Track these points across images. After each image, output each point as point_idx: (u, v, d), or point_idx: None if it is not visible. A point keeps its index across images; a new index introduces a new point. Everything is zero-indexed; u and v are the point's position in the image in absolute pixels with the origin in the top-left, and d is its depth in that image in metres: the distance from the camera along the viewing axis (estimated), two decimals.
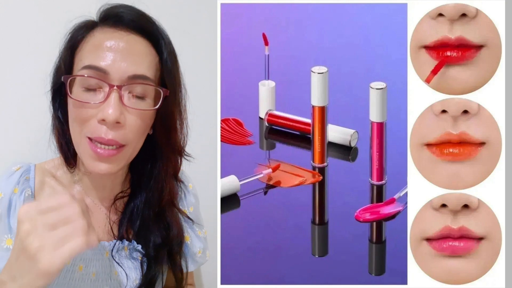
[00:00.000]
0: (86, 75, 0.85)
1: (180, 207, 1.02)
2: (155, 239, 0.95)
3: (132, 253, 0.95)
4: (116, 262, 0.93)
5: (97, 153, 0.85)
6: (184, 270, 1.00)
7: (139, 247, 0.95)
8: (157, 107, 0.88)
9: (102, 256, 0.93)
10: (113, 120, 0.83)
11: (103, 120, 0.84)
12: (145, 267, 0.95)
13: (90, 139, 0.85)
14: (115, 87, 0.84)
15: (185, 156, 0.98)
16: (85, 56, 0.86)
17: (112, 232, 0.94)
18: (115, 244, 0.94)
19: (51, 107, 0.91)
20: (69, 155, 0.92)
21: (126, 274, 0.93)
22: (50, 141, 0.93)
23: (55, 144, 0.93)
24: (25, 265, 0.70)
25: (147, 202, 0.95)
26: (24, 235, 0.70)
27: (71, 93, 0.86)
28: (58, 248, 0.69)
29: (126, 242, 0.95)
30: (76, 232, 0.71)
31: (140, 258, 0.95)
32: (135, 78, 0.85)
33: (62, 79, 0.87)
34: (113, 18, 0.88)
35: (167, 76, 0.90)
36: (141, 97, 0.87)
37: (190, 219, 1.02)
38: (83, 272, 0.91)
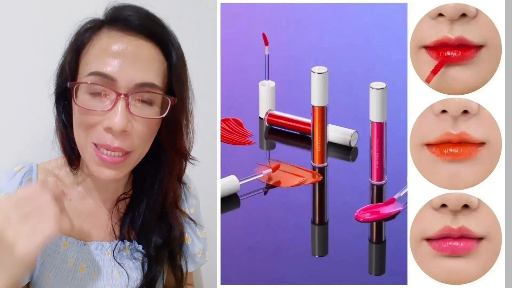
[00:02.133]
0: (92, 82, 0.83)
1: (181, 208, 1.02)
2: (156, 240, 0.95)
3: (133, 253, 0.95)
4: (118, 262, 0.93)
5: (102, 159, 0.84)
6: (184, 270, 1.00)
7: (140, 247, 0.95)
8: (164, 115, 0.86)
9: (104, 257, 0.93)
10: (120, 129, 0.82)
11: (109, 128, 0.82)
12: (146, 267, 0.95)
13: (95, 144, 0.84)
14: (122, 95, 0.82)
15: (190, 160, 0.97)
16: (92, 61, 0.84)
17: (114, 233, 0.94)
18: (116, 244, 0.94)
19: (55, 109, 0.90)
20: (73, 157, 0.91)
21: (127, 274, 0.93)
22: (54, 141, 0.92)
23: (59, 144, 0.92)
24: (3, 256, 0.75)
25: (149, 205, 0.95)
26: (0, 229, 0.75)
27: (76, 98, 0.84)
28: (32, 236, 0.74)
29: (127, 243, 0.95)
30: (48, 219, 0.76)
31: (141, 258, 0.95)
32: (142, 86, 0.84)
33: (68, 85, 0.85)
34: (121, 22, 0.86)
35: (175, 83, 0.88)
36: (148, 103, 0.85)
37: (193, 221, 1.02)
38: (85, 272, 0.91)
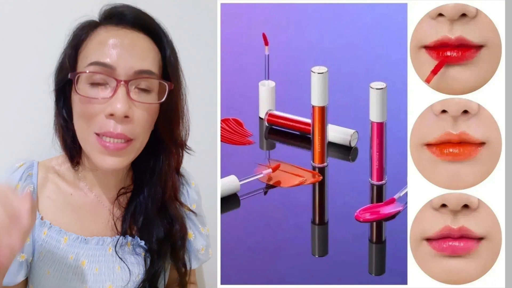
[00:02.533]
0: (93, 71, 0.86)
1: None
2: (158, 233, 0.96)
3: (136, 248, 0.95)
4: (119, 258, 0.93)
5: (105, 147, 0.86)
6: (188, 267, 1.01)
7: (142, 243, 0.95)
8: (163, 100, 0.89)
9: (105, 252, 0.93)
10: (122, 114, 0.85)
11: (112, 114, 0.85)
12: (148, 262, 0.95)
13: (97, 134, 0.86)
14: (122, 82, 0.85)
15: (186, 150, 0.99)
16: (90, 54, 0.87)
17: (116, 228, 0.95)
18: (118, 239, 0.94)
19: (55, 105, 0.92)
20: (74, 152, 0.93)
21: (129, 270, 0.94)
22: (54, 140, 0.94)
23: (59, 142, 0.94)
24: None
25: (150, 197, 0.96)
26: None
27: (77, 88, 0.87)
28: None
29: (129, 238, 0.95)
30: (19, 233, 0.73)
31: (143, 254, 0.95)
32: (141, 73, 0.87)
33: (69, 76, 0.87)
34: (117, 17, 0.90)
35: (171, 70, 0.91)
36: (146, 91, 0.88)
37: (193, 212, 1.03)
38: (86, 267, 0.92)
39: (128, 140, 0.88)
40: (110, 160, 0.87)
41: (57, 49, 0.91)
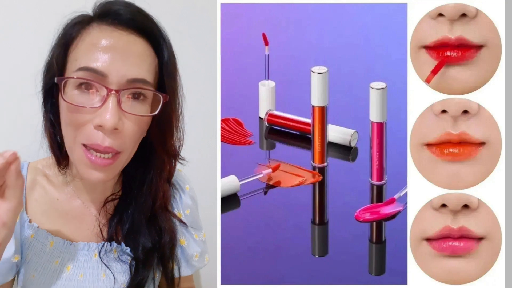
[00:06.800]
0: (82, 78, 0.81)
1: (175, 209, 0.99)
2: (144, 243, 0.92)
3: (121, 255, 0.92)
4: (104, 264, 0.91)
5: (91, 161, 0.82)
6: (176, 275, 0.98)
7: (128, 250, 0.92)
8: (156, 113, 0.85)
9: (91, 258, 0.91)
10: (111, 126, 0.80)
11: (100, 126, 0.80)
12: (133, 270, 0.92)
13: (85, 146, 0.82)
14: (113, 91, 0.80)
15: (179, 160, 0.95)
16: (81, 56, 0.82)
17: (102, 234, 0.92)
18: (103, 245, 0.91)
19: (43, 108, 0.88)
20: (61, 157, 0.90)
21: (114, 277, 0.91)
22: (42, 141, 0.90)
23: (47, 144, 0.90)
24: None
25: (138, 206, 0.93)
26: None
27: (64, 94, 0.82)
28: None
29: (114, 244, 0.92)
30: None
31: (129, 262, 0.92)
32: (134, 82, 0.82)
33: (56, 81, 0.82)
34: (111, 16, 0.84)
35: (168, 80, 0.86)
36: (139, 100, 0.83)
37: (184, 223, 0.99)
38: (70, 273, 0.90)
39: (116, 154, 0.83)
40: (96, 174, 0.83)
41: (48, 47, 0.87)
